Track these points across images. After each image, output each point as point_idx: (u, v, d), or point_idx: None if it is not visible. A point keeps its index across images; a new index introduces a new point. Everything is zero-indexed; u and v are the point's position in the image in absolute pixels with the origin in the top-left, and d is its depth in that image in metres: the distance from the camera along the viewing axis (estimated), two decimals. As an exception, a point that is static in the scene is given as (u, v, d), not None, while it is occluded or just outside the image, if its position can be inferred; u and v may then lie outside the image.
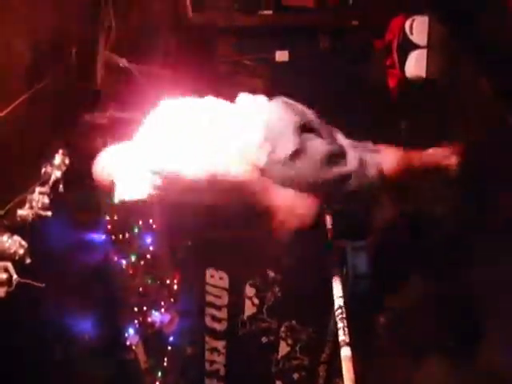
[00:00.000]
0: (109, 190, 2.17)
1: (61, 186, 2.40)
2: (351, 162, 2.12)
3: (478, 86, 2.52)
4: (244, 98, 2.21)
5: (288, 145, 2.07)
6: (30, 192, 2.28)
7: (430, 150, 2.32)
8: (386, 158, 2.18)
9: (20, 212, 2.24)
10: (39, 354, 2.52)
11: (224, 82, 3.84)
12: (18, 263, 2.12)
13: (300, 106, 2.25)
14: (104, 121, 2.95)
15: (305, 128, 2.16)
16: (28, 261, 2.16)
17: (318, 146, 2.11)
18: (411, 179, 2.35)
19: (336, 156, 2.12)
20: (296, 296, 3.95)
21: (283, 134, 2.10)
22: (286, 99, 2.22)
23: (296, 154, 2.06)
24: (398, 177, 2.19)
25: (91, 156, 2.28)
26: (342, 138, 2.24)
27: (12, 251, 2.12)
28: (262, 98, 2.21)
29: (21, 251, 2.14)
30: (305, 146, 2.08)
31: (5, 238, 2.13)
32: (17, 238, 2.15)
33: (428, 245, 2.64)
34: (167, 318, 3.77)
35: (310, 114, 2.23)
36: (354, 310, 2.23)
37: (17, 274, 2.07)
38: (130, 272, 3.51)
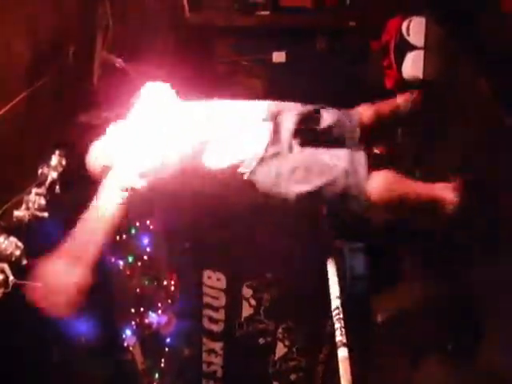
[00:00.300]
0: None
1: (57, 186, 2.39)
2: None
3: (476, 87, 2.52)
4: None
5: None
6: (26, 193, 2.26)
7: (427, 185, 2.12)
8: (375, 182, 2.02)
9: (16, 213, 2.23)
10: (39, 355, 2.51)
11: (222, 82, 3.84)
12: (15, 264, 2.11)
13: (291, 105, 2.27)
14: (100, 121, 2.93)
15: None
16: (24, 262, 2.14)
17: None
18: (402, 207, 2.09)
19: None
20: (293, 297, 3.94)
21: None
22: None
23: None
24: (386, 201, 2.01)
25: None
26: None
27: (8, 252, 2.11)
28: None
29: (17, 252, 2.13)
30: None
31: (1, 239, 2.12)
32: (13, 239, 2.14)
33: (428, 245, 2.64)
34: (164, 319, 3.76)
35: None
36: (351, 310, 2.22)
37: (13, 275, 2.06)
38: (127, 273, 3.50)
